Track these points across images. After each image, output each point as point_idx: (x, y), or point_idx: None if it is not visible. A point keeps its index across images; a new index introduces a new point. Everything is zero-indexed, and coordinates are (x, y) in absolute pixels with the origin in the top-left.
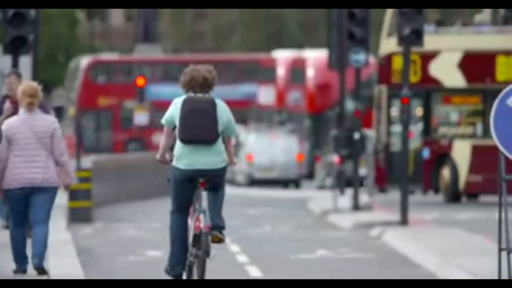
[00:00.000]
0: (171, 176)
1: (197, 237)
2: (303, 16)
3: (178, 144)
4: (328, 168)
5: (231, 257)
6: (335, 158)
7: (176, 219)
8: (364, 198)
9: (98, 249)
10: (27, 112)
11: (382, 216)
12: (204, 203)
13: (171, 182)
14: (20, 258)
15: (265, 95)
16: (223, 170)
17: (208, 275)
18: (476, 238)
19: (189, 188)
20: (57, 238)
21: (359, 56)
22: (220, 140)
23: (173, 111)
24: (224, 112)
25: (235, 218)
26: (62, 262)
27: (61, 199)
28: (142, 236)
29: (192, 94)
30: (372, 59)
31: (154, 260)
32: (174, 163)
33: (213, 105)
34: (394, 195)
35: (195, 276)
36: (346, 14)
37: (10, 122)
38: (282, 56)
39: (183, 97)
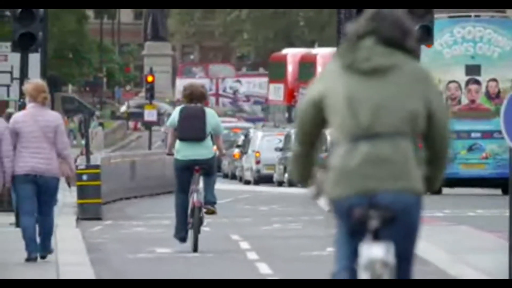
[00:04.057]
0: (174, 166)
1: (192, 211)
2: (313, 14)
3: (177, 141)
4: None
5: (242, 254)
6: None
7: (178, 197)
8: None
9: (107, 246)
10: (35, 107)
11: None
12: (200, 185)
13: (174, 170)
14: (30, 246)
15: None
16: (211, 160)
17: (219, 273)
18: (486, 235)
19: (187, 173)
20: (66, 235)
21: None
22: (208, 138)
23: (174, 117)
24: (212, 118)
25: (245, 215)
26: (71, 259)
27: (71, 196)
28: (151, 233)
29: (188, 104)
30: None
31: (164, 257)
32: (175, 155)
33: (203, 112)
34: None
35: (192, 238)
36: (355, 11)
37: (17, 116)
38: (292, 53)
39: (182, 106)
